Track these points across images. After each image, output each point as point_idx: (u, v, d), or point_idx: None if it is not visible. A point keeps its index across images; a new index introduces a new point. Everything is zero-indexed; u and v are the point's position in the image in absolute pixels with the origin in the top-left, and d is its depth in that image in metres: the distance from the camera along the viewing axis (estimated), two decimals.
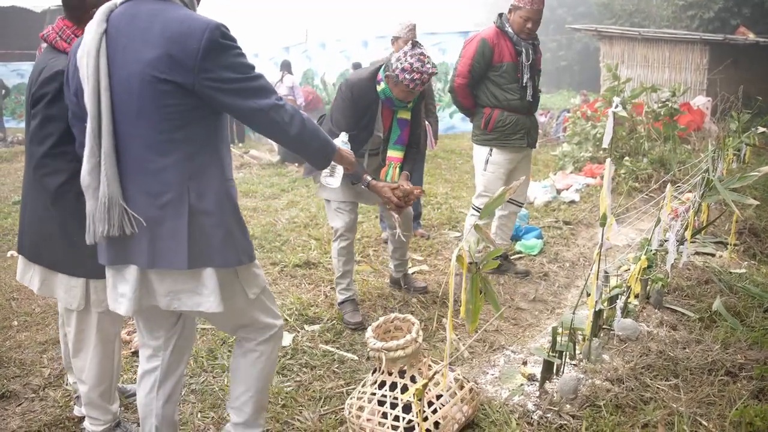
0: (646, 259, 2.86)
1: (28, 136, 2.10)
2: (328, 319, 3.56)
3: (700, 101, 11.02)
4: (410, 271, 4.16)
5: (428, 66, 3.11)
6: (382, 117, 3.37)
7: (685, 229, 3.30)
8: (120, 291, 1.83)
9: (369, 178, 3.26)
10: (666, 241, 3.44)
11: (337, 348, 3.22)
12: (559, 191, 6.83)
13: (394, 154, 3.43)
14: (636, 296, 3.19)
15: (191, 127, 1.72)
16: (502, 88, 3.87)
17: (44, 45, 2.27)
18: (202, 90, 1.66)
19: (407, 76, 3.09)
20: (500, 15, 3.95)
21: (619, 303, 2.79)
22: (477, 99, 4.00)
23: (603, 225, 2.21)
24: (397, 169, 3.43)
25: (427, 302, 3.81)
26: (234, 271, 1.85)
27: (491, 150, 3.96)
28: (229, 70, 1.67)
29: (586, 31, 16.87)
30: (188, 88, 1.66)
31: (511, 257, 4.61)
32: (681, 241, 3.30)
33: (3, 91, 14.02)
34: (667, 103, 7.30)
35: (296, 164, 9.21)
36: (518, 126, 3.91)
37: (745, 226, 5.31)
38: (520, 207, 4.38)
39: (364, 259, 4.70)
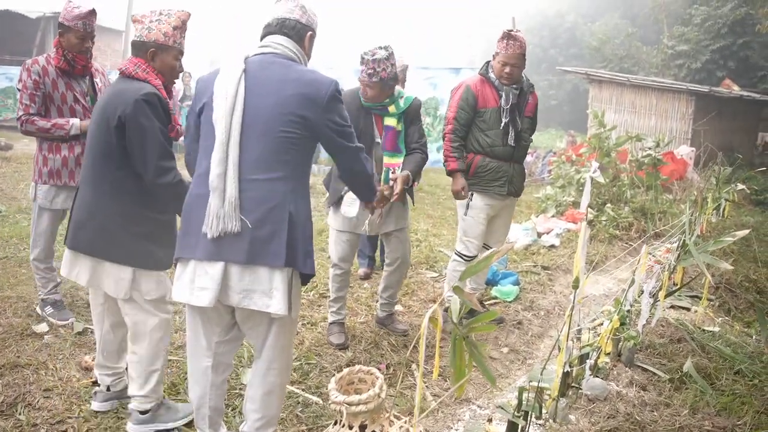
0: (618, 320, 2.85)
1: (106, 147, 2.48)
2: (296, 358, 3.49)
3: (684, 151, 11.17)
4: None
5: (374, 56, 3.33)
6: (375, 125, 3.56)
7: (660, 289, 3.30)
8: (200, 284, 2.08)
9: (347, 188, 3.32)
10: (641, 293, 3.43)
11: (303, 390, 3.15)
12: (539, 234, 6.84)
13: (384, 159, 3.57)
14: (607, 354, 3.17)
15: (298, 152, 2.13)
16: (485, 133, 3.85)
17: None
18: (320, 124, 2.15)
19: (362, 68, 3.39)
20: (487, 63, 3.96)
21: (589, 362, 2.76)
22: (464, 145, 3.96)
23: (575, 288, 2.19)
24: (385, 174, 3.54)
25: (398, 345, 3.75)
26: (292, 285, 2.12)
27: (472, 194, 3.91)
28: (340, 117, 2.20)
29: (576, 73, 17.15)
30: (311, 122, 2.12)
31: (486, 303, 4.58)
32: (655, 300, 3.29)
33: None
34: (650, 153, 7.38)
35: None
36: (499, 173, 3.86)
37: (721, 280, 5.34)
38: None
39: None
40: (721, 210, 6.45)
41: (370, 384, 2.32)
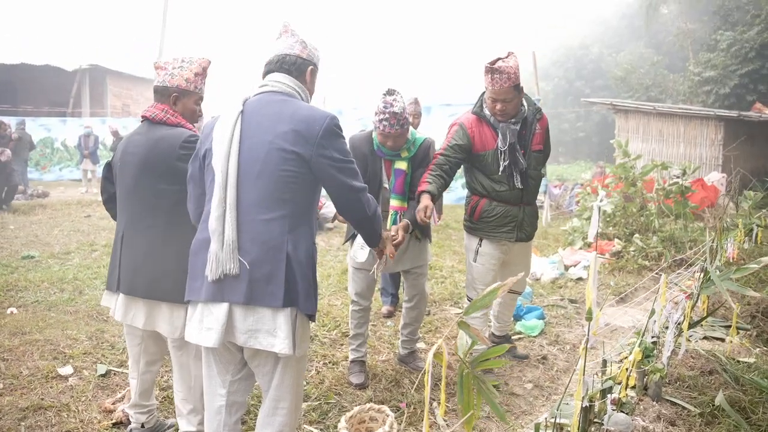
0: (640, 352, 2.76)
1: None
2: (315, 398, 3.46)
3: (715, 177, 10.97)
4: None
5: (393, 108, 3.28)
6: (384, 169, 3.54)
7: (684, 319, 3.20)
8: (207, 325, 2.11)
9: None
10: (667, 324, 3.33)
11: (321, 430, 3.11)
12: (566, 267, 6.73)
13: (392, 203, 3.53)
14: (633, 387, 3.06)
15: (297, 191, 2.10)
16: (490, 177, 3.56)
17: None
18: (317, 160, 2.10)
19: (376, 119, 3.35)
20: (481, 95, 3.60)
21: (612, 396, 2.67)
22: (467, 185, 3.78)
23: (589, 320, 2.14)
24: (393, 217, 3.50)
25: (419, 384, 3.69)
26: (296, 324, 2.11)
27: (480, 240, 3.67)
28: (338, 152, 2.15)
29: (602, 104, 17.06)
30: (306, 159, 2.09)
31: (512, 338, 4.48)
32: (680, 332, 3.19)
33: (29, 146, 14.39)
34: (677, 181, 7.25)
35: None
36: (507, 218, 3.59)
37: (758, 309, 5.15)
38: (519, 294, 4.12)
39: None
40: (754, 236, 6.28)
41: (381, 422, 2.28)
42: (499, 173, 3.52)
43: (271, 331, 2.07)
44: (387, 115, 3.31)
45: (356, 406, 3.36)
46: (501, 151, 3.48)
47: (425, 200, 3.37)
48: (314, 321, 2.29)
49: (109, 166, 2.93)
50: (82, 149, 15.29)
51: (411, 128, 3.57)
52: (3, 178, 11.20)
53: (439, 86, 30.71)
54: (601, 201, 2.01)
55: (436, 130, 4.33)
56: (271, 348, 2.08)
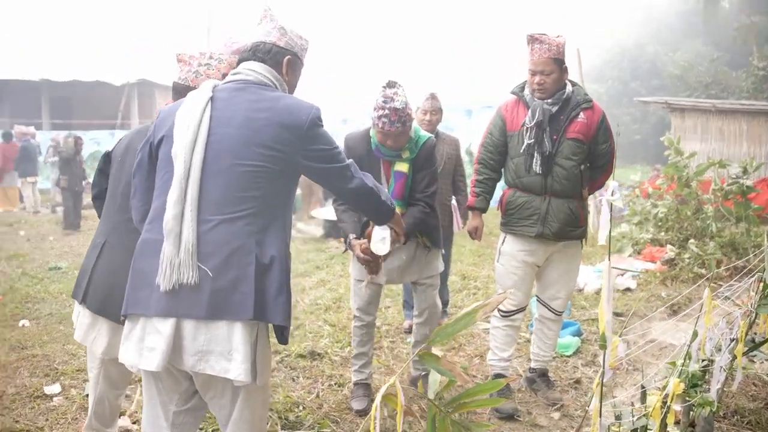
0: (680, 383, 2.27)
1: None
2: (309, 426, 3.08)
3: None
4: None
5: (394, 104, 2.91)
6: (383, 171, 3.18)
7: (737, 342, 2.67)
8: (149, 344, 1.79)
9: (353, 236, 3.05)
10: (719, 350, 2.80)
11: None
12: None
13: None
14: (677, 423, 2.56)
15: (269, 188, 1.85)
16: (513, 160, 3.32)
17: None
18: (301, 155, 1.91)
19: (375, 115, 2.99)
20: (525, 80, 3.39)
21: None
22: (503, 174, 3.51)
23: (603, 348, 1.69)
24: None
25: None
26: (257, 345, 1.82)
27: (505, 237, 3.37)
28: (324, 143, 1.96)
29: (656, 103, 16.21)
30: (287, 154, 1.88)
31: None
32: (733, 357, 2.67)
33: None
34: (737, 180, 6.57)
35: (339, 239, 8.98)
36: (529, 209, 3.24)
37: None
38: (558, 316, 3.48)
39: (376, 352, 4.18)
40: None
41: None
42: (521, 152, 3.26)
43: (226, 353, 1.75)
44: (387, 111, 2.93)
45: None
46: (527, 127, 3.22)
47: (476, 220, 3.48)
48: (286, 343, 1.92)
49: (107, 158, 2.55)
50: None
51: (414, 125, 3.17)
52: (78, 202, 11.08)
53: (482, 87, 30.13)
54: (612, 194, 1.57)
55: (479, 135, 3.86)
56: (225, 374, 1.75)
